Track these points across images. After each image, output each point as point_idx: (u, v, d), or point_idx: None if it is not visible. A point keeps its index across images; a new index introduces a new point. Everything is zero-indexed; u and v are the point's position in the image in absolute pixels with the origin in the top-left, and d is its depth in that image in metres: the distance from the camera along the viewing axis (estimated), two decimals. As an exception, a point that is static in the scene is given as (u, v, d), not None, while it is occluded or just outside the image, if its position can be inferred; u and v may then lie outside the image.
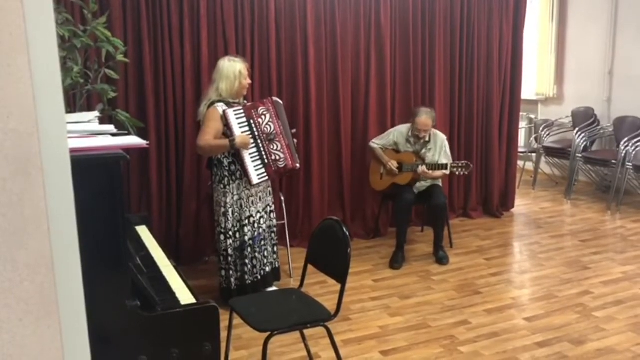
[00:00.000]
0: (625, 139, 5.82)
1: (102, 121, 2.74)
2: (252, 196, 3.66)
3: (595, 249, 4.77)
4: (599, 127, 6.49)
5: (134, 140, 2.05)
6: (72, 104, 3.55)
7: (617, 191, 5.85)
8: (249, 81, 3.68)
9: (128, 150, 2.37)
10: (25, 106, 0.81)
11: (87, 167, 1.75)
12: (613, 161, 5.89)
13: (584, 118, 6.60)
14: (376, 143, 4.76)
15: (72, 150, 1.83)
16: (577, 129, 6.44)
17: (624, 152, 5.74)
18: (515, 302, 3.85)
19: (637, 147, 5.72)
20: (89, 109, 3.63)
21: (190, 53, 4.30)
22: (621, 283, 4.08)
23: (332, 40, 4.80)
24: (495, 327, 3.50)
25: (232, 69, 3.58)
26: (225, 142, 3.51)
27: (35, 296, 0.83)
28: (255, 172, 3.59)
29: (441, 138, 4.67)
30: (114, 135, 2.12)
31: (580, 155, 6.27)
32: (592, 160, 6.28)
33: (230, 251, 3.66)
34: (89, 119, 2.35)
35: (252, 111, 3.62)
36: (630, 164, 5.71)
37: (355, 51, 4.92)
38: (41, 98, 0.82)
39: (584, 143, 6.31)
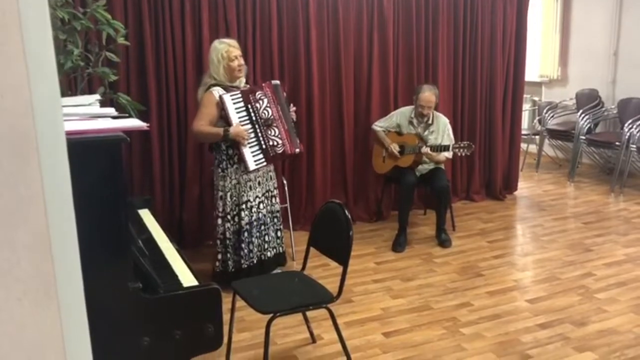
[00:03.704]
0: (630, 121, 5.78)
1: (103, 104, 2.73)
2: (250, 181, 3.64)
3: (598, 231, 4.76)
4: (603, 109, 6.44)
5: (134, 123, 2.04)
6: (73, 87, 3.54)
7: (620, 173, 5.82)
8: (240, 62, 3.60)
9: (129, 133, 2.37)
10: (19, 86, 0.80)
11: (87, 149, 1.75)
12: (617, 143, 5.86)
13: (588, 100, 6.55)
14: (379, 125, 4.74)
15: (73, 133, 1.83)
16: (580, 111, 6.40)
17: (628, 134, 5.71)
18: (518, 285, 3.85)
19: (641, 129, 5.69)
20: (90, 92, 3.62)
21: (192, 36, 4.28)
22: (624, 265, 4.08)
23: (334, 22, 4.76)
24: (497, 309, 3.51)
25: (215, 52, 3.53)
26: (219, 131, 3.48)
27: (33, 276, 0.83)
28: (252, 158, 3.57)
29: (444, 121, 4.65)
30: (114, 118, 2.12)
31: (583, 137, 6.24)
32: (595, 142, 6.25)
33: (228, 235, 3.66)
34: (90, 102, 2.35)
35: (250, 96, 3.59)
36: (634, 146, 5.69)
37: (358, 33, 4.88)
38: (35, 78, 0.81)
39: (588, 125, 6.27)
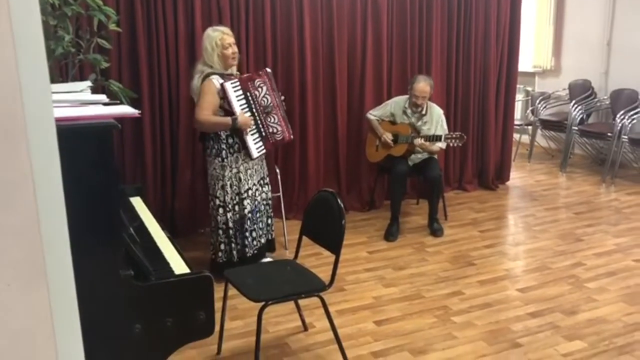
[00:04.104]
0: (622, 112, 5.81)
1: (94, 91, 2.70)
2: (249, 169, 3.65)
3: (589, 221, 4.79)
4: (596, 100, 6.46)
5: (125, 110, 2.03)
6: (64, 74, 3.51)
7: (612, 164, 5.85)
8: (234, 50, 3.58)
9: (121, 121, 2.35)
10: (8, 70, 0.79)
11: (78, 136, 1.73)
12: (609, 134, 5.89)
13: (581, 91, 6.57)
14: (373, 114, 4.73)
15: (64, 119, 1.82)
16: (573, 101, 6.41)
17: (620, 125, 5.73)
18: (509, 274, 3.88)
19: (633, 120, 5.71)
20: (82, 79, 3.59)
21: (184, 23, 4.24)
22: (614, 255, 4.11)
23: (328, 10, 4.74)
24: (488, 297, 3.53)
25: (209, 40, 3.51)
26: (227, 120, 3.47)
27: (22, 261, 0.83)
28: (254, 145, 3.57)
29: (437, 112, 4.65)
30: (105, 104, 2.10)
31: (576, 128, 6.26)
32: (588, 133, 6.28)
33: (230, 224, 3.65)
34: (81, 89, 2.33)
35: (249, 83, 3.58)
36: (626, 137, 5.71)
37: (352, 22, 4.86)
38: (24, 62, 0.80)
39: (580, 116, 6.29)
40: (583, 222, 4.76)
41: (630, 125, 5.70)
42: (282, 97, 3.87)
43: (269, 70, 3.77)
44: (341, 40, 4.84)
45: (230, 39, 3.57)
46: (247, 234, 3.68)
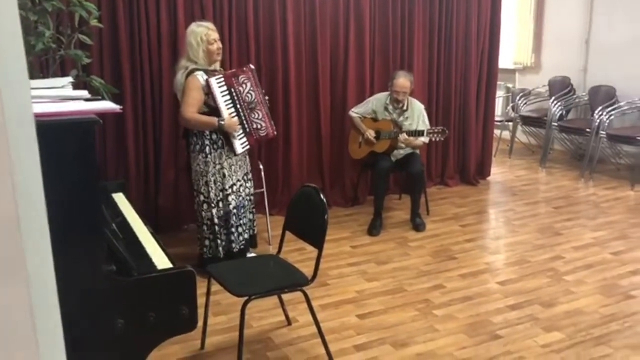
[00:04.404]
0: (600, 108, 5.90)
1: (76, 87, 2.70)
2: (233, 164, 3.65)
3: (567, 215, 4.87)
4: (575, 96, 6.56)
5: (107, 105, 2.03)
6: (45, 70, 3.48)
7: (590, 159, 5.95)
8: (219, 45, 3.59)
9: (103, 116, 2.34)
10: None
11: (59, 132, 1.74)
12: (587, 130, 5.98)
13: (560, 87, 6.66)
14: (355, 112, 4.76)
15: (45, 115, 1.82)
16: (553, 98, 6.50)
17: (598, 121, 5.82)
18: (489, 267, 3.94)
19: (610, 116, 5.81)
20: (63, 74, 3.56)
21: (167, 19, 4.23)
22: (591, 248, 4.19)
23: (311, 7, 4.76)
24: (469, 291, 3.58)
25: (194, 36, 3.51)
26: (213, 121, 3.48)
27: (1, 257, 0.84)
28: (238, 141, 3.58)
29: (419, 107, 4.69)
30: (87, 100, 2.10)
31: (555, 124, 6.35)
32: (567, 129, 6.37)
33: (216, 220, 3.66)
34: (62, 85, 2.32)
35: (233, 79, 3.59)
36: (604, 133, 5.81)
37: (334, 18, 4.88)
38: (2, 56, 0.81)
39: (560, 112, 6.38)
40: (562, 216, 4.84)
41: (607, 121, 5.79)
42: (264, 93, 3.88)
43: (252, 66, 3.78)
44: (324, 37, 4.86)
45: (215, 34, 3.58)
46: (233, 229, 3.69)
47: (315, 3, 4.75)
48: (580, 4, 6.52)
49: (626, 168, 6.03)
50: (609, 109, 5.86)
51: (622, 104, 5.93)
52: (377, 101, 4.71)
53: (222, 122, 3.48)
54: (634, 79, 5.93)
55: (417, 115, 4.66)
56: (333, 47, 4.94)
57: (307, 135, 4.97)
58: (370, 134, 4.60)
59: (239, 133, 3.59)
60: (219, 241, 3.68)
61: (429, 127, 4.64)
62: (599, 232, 4.48)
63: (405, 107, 4.63)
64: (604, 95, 6.18)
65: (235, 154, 3.59)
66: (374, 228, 4.53)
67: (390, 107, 4.64)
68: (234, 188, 3.66)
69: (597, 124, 5.83)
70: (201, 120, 3.50)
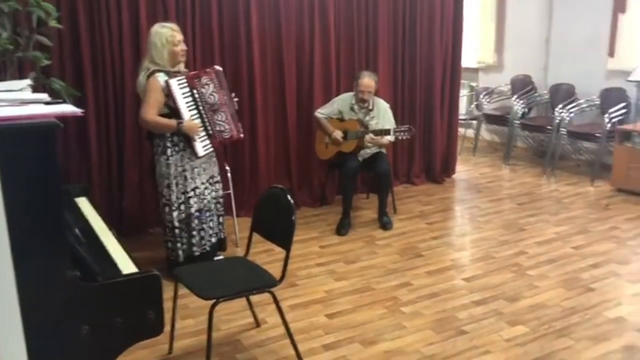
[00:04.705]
0: (560, 106, 6.04)
1: (35, 90, 2.64)
2: (196, 167, 3.62)
3: (530, 211, 4.98)
4: (536, 95, 6.70)
5: (68, 109, 1.99)
6: (3, 72, 3.39)
7: (552, 156, 6.10)
8: (183, 47, 3.57)
9: (65, 119, 2.29)
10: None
11: (18, 136, 1.70)
12: (548, 127, 6.13)
13: (522, 85, 6.81)
14: (321, 113, 4.78)
15: (2, 119, 1.77)
16: (515, 96, 6.64)
17: (559, 118, 5.97)
18: (455, 264, 4.00)
19: (571, 113, 5.96)
20: (21, 77, 3.48)
21: (128, 19, 4.17)
22: (554, 243, 4.30)
23: (275, 7, 4.75)
24: (436, 287, 3.63)
25: (159, 37, 3.47)
26: (172, 123, 3.45)
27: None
28: (200, 144, 3.55)
29: (384, 106, 4.74)
30: (47, 103, 2.06)
31: (518, 121, 6.48)
32: (529, 126, 6.51)
33: (176, 223, 3.63)
34: (21, 87, 2.27)
35: (195, 81, 3.56)
36: (565, 130, 5.95)
37: (299, 19, 4.89)
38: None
39: (522, 110, 6.52)
40: (525, 212, 4.95)
41: (568, 118, 5.94)
42: (236, 99, 3.86)
43: (219, 68, 3.75)
44: (289, 37, 4.86)
45: (179, 35, 3.55)
46: (194, 232, 3.66)
47: (280, 3, 4.74)
48: (540, 4, 6.66)
49: (586, 164, 6.19)
50: (569, 106, 6.02)
51: (581, 101, 6.08)
52: (342, 101, 4.73)
53: (182, 125, 3.45)
54: (592, 77, 6.09)
55: (383, 115, 4.70)
56: (298, 48, 4.95)
57: (273, 136, 4.97)
58: (338, 134, 4.62)
59: (201, 135, 3.56)
60: (179, 244, 3.65)
61: (395, 126, 4.69)
62: (560, 227, 4.59)
63: (370, 107, 4.66)
64: (564, 93, 6.34)
65: (197, 157, 3.56)
66: (342, 228, 4.56)
67: (356, 107, 4.67)
68: (197, 191, 3.63)
69: (557, 121, 5.97)
70: (160, 122, 3.47)
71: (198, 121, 3.54)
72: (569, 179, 5.90)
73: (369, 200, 5.29)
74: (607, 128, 5.56)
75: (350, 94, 4.73)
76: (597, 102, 6.02)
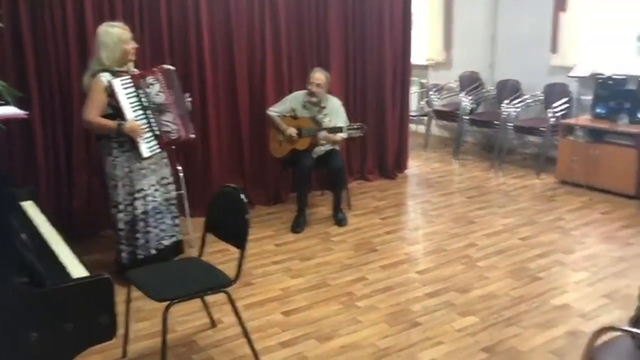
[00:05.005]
0: (506, 101, 6.23)
1: (-25, 91, 2.55)
2: (143, 168, 3.56)
3: (480, 204, 5.13)
4: (484, 90, 6.89)
5: (11, 111, 1.94)
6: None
7: (499, 150, 6.28)
8: (134, 45, 3.51)
9: (8, 122, 2.24)
10: None
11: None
12: (496, 122, 6.31)
13: (470, 82, 6.98)
14: (273, 111, 4.78)
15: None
16: (463, 92, 6.81)
17: (505, 113, 6.15)
18: (408, 257, 4.08)
19: (517, 108, 6.15)
20: (-40, 78, 3.36)
21: (73, 18, 4.07)
22: (502, 234, 4.44)
23: (225, 5, 4.72)
24: (390, 281, 3.70)
25: (110, 36, 3.41)
26: (113, 125, 3.39)
27: None
28: (145, 145, 3.49)
29: (336, 103, 4.79)
30: (-12, 106, 2.00)
31: (467, 117, 6.65)
32: (477, 121, 6.69)
33: (121, 225, 3.57)
34: (-41, 89, 2.20)
35: (140, 81, 3.50)
36: (511, 125, 6.15)
37: (249, 16, 4.88)
38: None
39: (470, 106, 6.69)
40: (475, 206, 5.09)
41: (514, 113, 6.13)
42: (190, 99, 3.81)
43: (169, 67, 3.70)
44: (240, 35, 4.84)
45: (129, 34, 3.50)
46: (139, 235, 3.61)
47: (230, 1, 4.72)
48: (486, 3, 6.84)
49: (532, 157, 6.41)
50: (515, 101, 6.21)
51: (526, 96, 6.29)
52: (294, 99, 4.75)
53: (123, 126, 3.39)
54: (536, 73, 6.30)
55: (336, 112, 4.75)
56: (249, 47, 4.93)
57: (226, 136, 4.95)
58: (293, 131, 4.63)
59: (147, 136, 3.51)
60: (123, 247, 3.60)
61: (347, 122, 4.74)
62: (508, 219, 4.74)
63: (323, 104, 4.70)
64: (510, 89, 6.54)
65: (142, 158, 3.51)
66: (297, 225, 4.58)
67: (308, 105, 4.70)
68: (143, 193, 3.57)
69: (504, 116, 6.16)
70: (102, 123, 3.41)
71: (143, 122, 3.48)
72: (516, 172, 6.10)
73: (324, 197, 5.33)
74: (551, 122, 5.77)
75: (303, 92, 4.75)
76: (541, 98, 6.25)
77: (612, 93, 5.41)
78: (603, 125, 5.32)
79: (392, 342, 3.01)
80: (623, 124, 5.19)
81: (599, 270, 3.79)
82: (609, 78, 5.44)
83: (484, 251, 4.13)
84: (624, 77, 5.42)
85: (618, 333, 2.17)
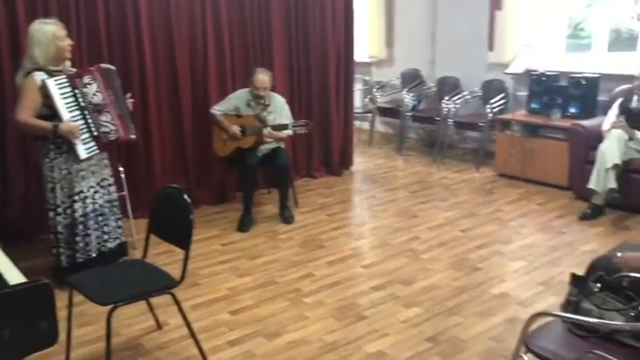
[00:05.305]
0: (446, 98, 6.40)
1: None
2: (82, 170, 3.47)
3: (422, 198, 5.26)
4: (425, 87, 7.06)
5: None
6: None
7: (440, 145, 6.46)
8: (69, 42, 3.42)
9: None
10: None
11: None
12: (437, 118, 6.47)
13: (411, 79, 7.14)
14: (217, 109, 4.75)
15: None
16: (405, 89, 6.95)
17: (446, 109, 6.32)
18: (355, 252, 4.15)
19: (456, 104, 6.33)
20: None
21: (4, 15, 3.93)
22: (444, 227, 4.57)
23: (165, 2, 4.66)
24: (337, 276, 3.75)
25: (43, 33, 3.30)
26: (47, 126, 3.28)
27: None
28: (83, 146, 3.41)
29: (281, 100, 4.81)
30: None
31: (409, 114, 6.80)
32: (419, 118, 6.84)
33: (60, 228, 3.48)
34: None
35: (76, 80, 3.40)
36: (452, 121, 6.32)
37: (190, 14, 4.82)
38: None
39: (412, 102, 6.83)
40: (418, 200, 5.21)
41: (454, 109, 6.31)
42: (131, 99, 3.74)
43: (108, 66, 3.62)
44: (181, 34, 4.78)
45: (63, 31, 3.40)
46: (79, 238, 3.52)
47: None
48: (425, 1, 6.99)
49: (472, 152, 6.61)
50: (454, 98, 6.39)
51: (465, 93, 6.48)
52: (238, 98, 4.74)
53: (58, 127, 3.29)
54: (475, 70, 6.50)
55: (280, 110, 4.76)
56: (191, 43, 4.88)
57: (168, 135, 4.88)
58: (237, 129, 4.61)
59: (84, 137, 3.42)
60: (62, 250, 3.51)
61: (292, 120, 4.76)
62: (450, 212, 4.89)
63: (267, 102, 4.71)
64: (450, 86, 6.72)
65: (79, 160, 3.42)
66: (244, 224, 4.57)
67: (252, 103, 4.69)
68: (82, 195, 3.49)
69: (445, 112, 6.33)
70: (36, 124, 3.30)
71: (80, 122, 3.39)
72: (456, 166, 6.28)
73: (270, 196, 5.34)
74: (489, 118, 5.97)
75: (246, 90, 4.74)
76: (480, 94, 6.45)
77: (545, 89, 5.65)
78: (537, 119, 5.55)
79: (339, 336, 3.06)
80: (556, 119, 5.43)
81: (535, 259, 3.96)
82: (542, 74, 5.68)
83: (427, 244, 4.25)
84: (556, 73, 5.68)
85: (550, 318, 2.29)
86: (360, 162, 6.49)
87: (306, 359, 2.86)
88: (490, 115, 5.97)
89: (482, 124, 6.06)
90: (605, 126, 4.80)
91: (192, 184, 5.03)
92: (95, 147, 3.48)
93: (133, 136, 3.74)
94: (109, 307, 2.50)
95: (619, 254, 2.52)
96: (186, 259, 2.68)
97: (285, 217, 4.74)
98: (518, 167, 5.58)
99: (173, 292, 2.68)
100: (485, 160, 6.14)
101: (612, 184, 4.50)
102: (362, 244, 4.32)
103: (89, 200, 3.52)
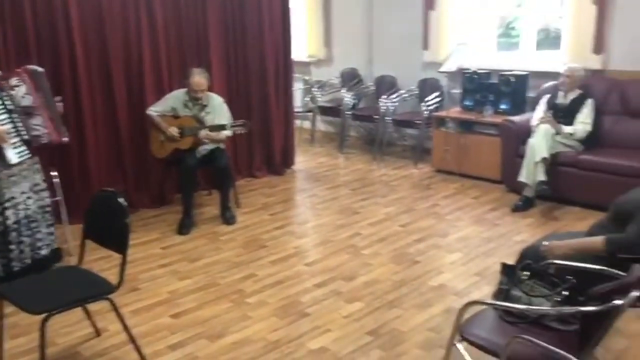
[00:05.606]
0: (384, 96, 6.52)
1: None
2: (13, 175, 3.35)
3: (363, 195, 5.34)
4: (363, 86, 7.16)
5: None
6: None
7: (380, 143, 6.58)
8: None
9: None
10: None
11: None
12: (376, 116, 6.59)
13: (350, 78, 7.23)
14: (153, 110, 4.67)
15: None
16: (345, 88, 7.03)
17: (384, 108, 6.44)
18: (297, 251, 4.17)
19: (394, 103, 6.46)
20: None
21: None
22: (384, 223, 4.66)
23: (97, 1, 4.54)
24: (280, 275, 3.77)
25: None
26: None
27: None
28: (13, 150, 3.28)
29: (219, 100, 4.77)
30: None
31: (349, 112, 6.88)
32: (359, 116, 6.94)
33: None
34: None
35: (3, 83, 3.28)
36: (390, 119, 6.45)
37: (124, 13, 4.72)
38: None
39: (352, 101, 6.93)
40: (358, 197, 5.29)
41: (392, 107, 6.44)
42: (61, 103, 3.63)
43: (37, 68, 3.50)
44: (114, 34, 4.67)
45: None
46: (13, 246, 3.41)
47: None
48: (361, 0, 7.09)
49: (410, 149, 6.76)
50: (392, 96, 6.52)
51: (402, 91, 6.62)
52: (175, 99, 4.67)
53: None
54: (411, 69, 6.65)
55: (219, 110, 4.73)
56: (125, 43, 4.77)
57: (104, 137, 4.76)
58: (174, 130, 4.55)
59: (14, 141, 3.31)
60: None
61: (231, 120, 4.74)
62: (389, 208, 4.99)
63: (205, 103, 4.66)
64: (387, 84, 6.85)
65: (9, 165, 3.30)
66: (184, 227, 4.52)
67: (190, 104, 4.64)
68: (14, 201, 3.37)
69: (383, 110, 6.45)
70: None
71: (9, 126, 3.27)
72: (395, 163, 6.41)
73: (212, 197, 5.30)
74: (425, 115, 6.13)
75: (183, 90, 4.68)
76: (416, 92, 6.60)
77: (477, 86, 5.86)
78: (471, 116, 5.74)
79: (282, 334, 3.07)
80: (488, 115, 5.62)
81: (470, 250, 4.10)
82: (475, 72, 5.88)
83: (367, 239, 4.32)
84: (487, 71, 5.89)
85: (483, 306, 2.39)
86: (302, 160, 6.53)
87: (249, 358, 2.87)
88: (426, 112, 6.13)
89: (418, 122, 6.21)
90: (534, 121, 5.01)
91: (130, 187, 4.93)
92: (27, 151, 3.37)
93: (66, 139, 3.64)
94: (42, 316, 2.43)
95: (545, 243, 2.66)
96: (123, 264, 2.63)
97: (227, 217, 4.71)
98: (454, 162, 5.75)
99: (110, 297, 2.63)
100: (423, 156, 6.30)
101: (542, 176, 4.71)
102: (304, 242, 4.35)
103: (21, 207, 3.41)
